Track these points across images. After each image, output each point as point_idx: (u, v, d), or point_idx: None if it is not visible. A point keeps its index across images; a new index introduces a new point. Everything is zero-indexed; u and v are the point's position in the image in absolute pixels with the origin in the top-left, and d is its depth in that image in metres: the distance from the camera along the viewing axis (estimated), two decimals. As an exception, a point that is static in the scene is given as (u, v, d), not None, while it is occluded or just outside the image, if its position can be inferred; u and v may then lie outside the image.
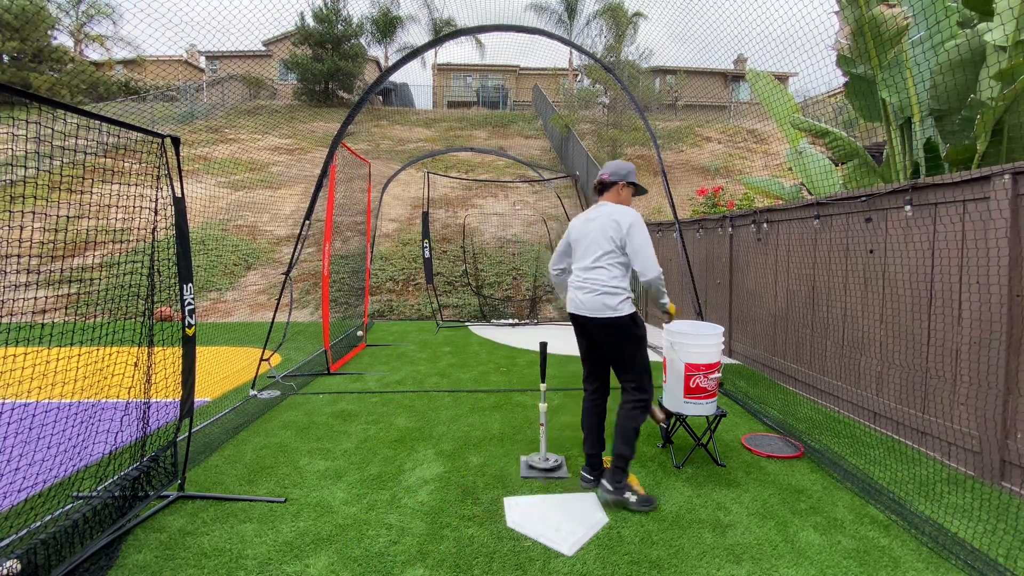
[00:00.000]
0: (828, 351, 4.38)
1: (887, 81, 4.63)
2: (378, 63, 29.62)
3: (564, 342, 7.20)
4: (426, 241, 8.80)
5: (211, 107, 22.47)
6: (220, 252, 11.23)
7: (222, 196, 13.48)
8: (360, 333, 7.20)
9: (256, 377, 4.71)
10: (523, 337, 7.72)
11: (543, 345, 3.18)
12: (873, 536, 2.42)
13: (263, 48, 28.09)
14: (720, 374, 3.21)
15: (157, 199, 2.68)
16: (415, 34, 29.03)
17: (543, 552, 2.30)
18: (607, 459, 2.96)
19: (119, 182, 2.60)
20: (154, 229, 2.71)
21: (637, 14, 20.00)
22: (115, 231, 8.05)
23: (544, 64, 30.76)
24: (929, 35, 4.46)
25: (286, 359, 6.05)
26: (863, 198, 3.95)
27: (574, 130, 16.00)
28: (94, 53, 26.13)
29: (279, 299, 5.16)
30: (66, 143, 2.23)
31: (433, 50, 28.85)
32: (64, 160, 2.42)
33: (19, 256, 2.46)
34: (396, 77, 29.52)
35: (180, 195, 2.67)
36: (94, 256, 10.20)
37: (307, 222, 4.73)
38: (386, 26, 27.47)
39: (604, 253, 2.76)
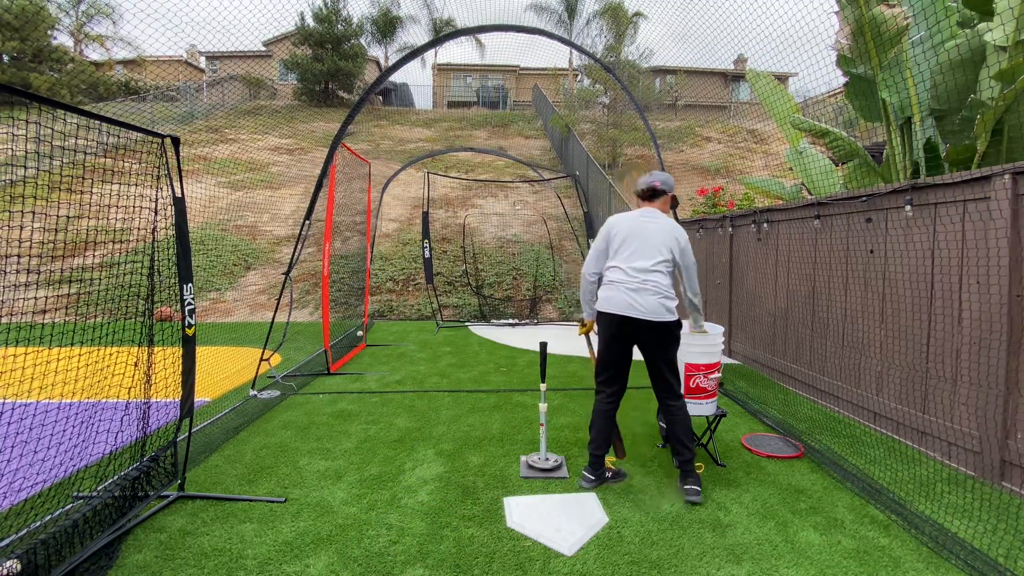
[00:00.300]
0: (828, 351, 4.38)
1: (887, 81, 4.63)
2: (378, 63, 29.62)
3: (564, 342, 7.20)
4: (426, 241, 8.80)
5: (211, 107, 22.47)
6: (220, 252, 11.23)
7: (222, 196, 13.48)
8: (360, 333, 7.20)
9: (256, 377, 4.71)
10: (523, 337, 7.72)
11: (543, 345, 3.18)
12: (873, 536, 2.42)
13: (263, 48, 28.09)
14: (720, 374, 3.21)
15: (157, 199, 2.68)
16: (415, 34, 29.05)
17: (543, 552, 2.30)
18: (609, 460, 3.00)
19: (119, 182, 2.60)
20: (154, 229, 2.71)
21: (637, 14, 20.01)
22: (115, 231, 8.05)
23: (544, 64, 30.75)
24: (929, 35, 4.46)
25: (286, 359, 6.05)
26: (863, 198, 3.95)
27: (574, 130, 16.00)
28: (94, 53, 26.16)
29: (279, 299, 5.16)
30: (66, 143, 2.23)
31: (433, 50, 28.85)
32: (64, 160, 2.41)
33: (19, 256, 2.46)
34: (396, 77, 29.52)
35: (180, 195, 2.67)
36: (94, 256, 10.20)
37: (307, 222, 4.73)
38: (386, 26, 27.48)
39: (663, 260, 2.82)
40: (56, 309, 7.61)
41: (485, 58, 30.04)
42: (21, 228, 2.22)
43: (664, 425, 3.46)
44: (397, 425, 3.91)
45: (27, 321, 3.72)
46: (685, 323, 3.16)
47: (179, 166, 2.65)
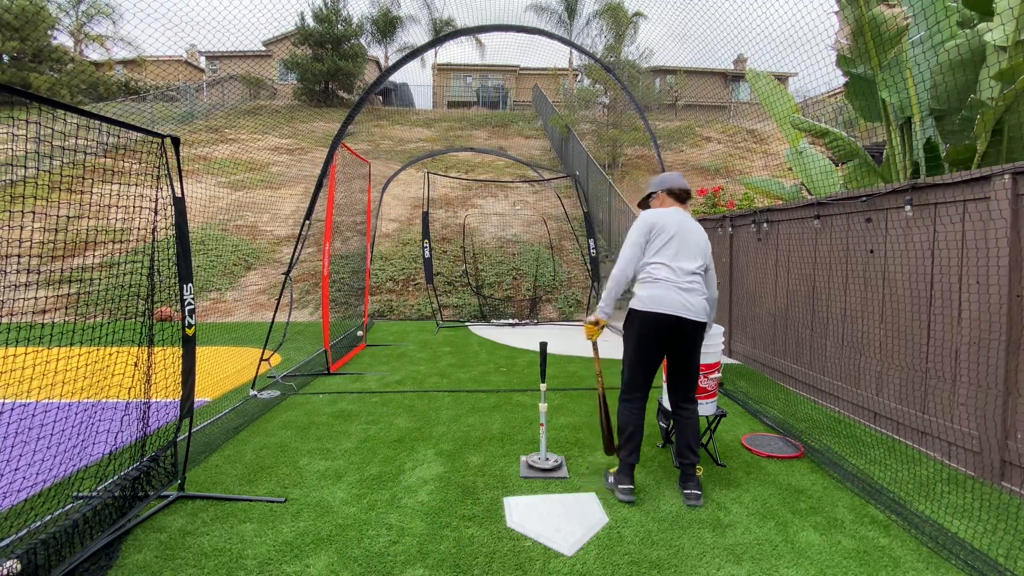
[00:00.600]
0: (828, 351, 4.38)
1: (887, 81, 4.63)
2: (378, 63, 29.63)
3: (564, 342, 7.20)
4: (426, 241, 8.80)
5: (211, 107, 22.48)
6: (220, 252, 11.23)
7: (222, 196, 13.48)
8: (360, 333, 7.20)
9: (256, 377, 4.71)
10: (523, 337, 7.72)
11: (543, 345, 3.18)
12: (873, 536, 2.42)
13: (263, 48, 28.09)
14: (720, 374, 3.21)
15: (157, 199, 2.68)
16: (415, 34, 29.06)
17: (543, 552, 2.30)
18: (700, 468, 2.91)
19: (119, 182, 2.60)
20: (154, 229, 2.71)
21: (637, 14, 20.01)
22: (115, 231, 8.06)
23: (544, 64, 30.77)
24: (929, 35, 4.46)
25: (286, 359, 6.05)
26: (863, 198, 3.95)
27: (574, 130, 16.00)
28: (94, 53, 26.15)
29: (279, 299, 5.16)
30: (66, 143, 2.23)
31: (433, 50, 28.85)
32: (64, 160, 2.41)
33: (19, 256, 2.46)
34: (396, 77, 29.53)
35: (180, 195, 2.67)
36: (94, 256, 10.20)
37: (307, 222, 4.73)
38: (386, 26, 27.49)
39: (703, 264, 2.82)
40: (56, 309, 7.61)
41: (485, 58, 30.05)
42: (21, 228, 2.22)
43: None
44: (397, 425, 3.92)
45: (27, 321, 3.72)
46: None
47: (179, 166, 2.65)
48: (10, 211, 2.71)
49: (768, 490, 2.88)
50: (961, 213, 3.18)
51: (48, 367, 2.47)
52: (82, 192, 2.45)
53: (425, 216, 8.88)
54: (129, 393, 2.64)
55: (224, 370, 5.55)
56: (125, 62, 26.45)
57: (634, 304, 2.77)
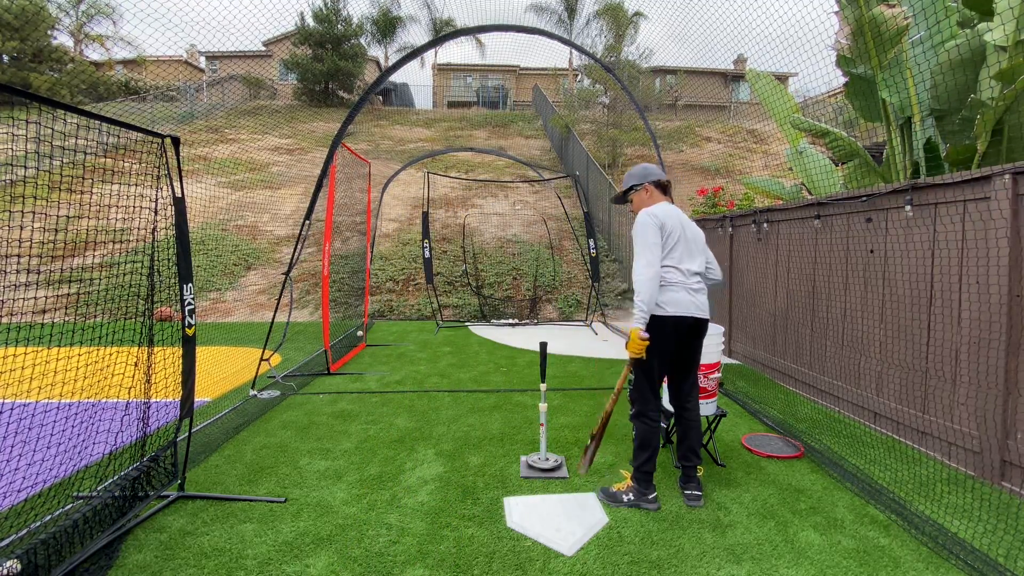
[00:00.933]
0: (828, 351, 4.38)
1: (887, 81, 4.63)
2: (378, 63, 29.63)
3: (564, 342, 7.20)
4: (426, 241, 8.80)
5: (211, 107, 22.48)
6: (220, 252, 11.23)
7: (222, 196, 13.48)
8: (360, 333, 7.20)
9: (256, 377, 4.71)
10: (523, 337, 7.72)
11: (543, 345, 3.18)
12: (873, 536, 2.42)
13: (263, 48, 28.10)
14: (720, 374, 3.21)
15: (157, 199, 2.68)
16: (415, 34, 29.06)
17: (543, 552, 2.30)
18: (700, 468, 2.86)
19: (119, 182, 2.60)
20: (154, 229, 2.71)
21: (637, 14, 20.02)
22: (115, 231, 8.05)
23: (544, 64, 30.76)
24: (929, 35, 4.46)
25: (286, 359, 6.05)
26: (863, 198, 3.95)
27: (574, 130, 16.00)
28: (94, 53, 26.15)
29: (279, 299, 5.16)
30: (66, 143, 2.23)
31: (433, 50, 28.86)
32: (64, 160, 2.42)
33: (19, 256, 2.46)
34: (396, 77, 29.54)
35: (180, 195, 2.66)
36: (94, 256, 10.20)
37: (307, 222, 4.73)
38: (386, 26, 27.48)
39: (703, 260, 2.80)
40: (56, 309, 7.62)
41: (485, 58, 30.05)
42: (21, 228, 2.22)
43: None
44: (397, 425, 3.92)
45: (27, 321, 3.72)
46: None
47: (179, 166, 2.65)
48: (10, 211, 2.71)
49: (768, 490, 2.88)
50: (961, 213, 3.18)
51: (48, 367, 2.48)
52: (82, 192, 2.45)
53: (425, 216, 8.88)
54: (129, 393, 2.64)
55: (224, 370, 5.55)
56: (125, 62, 26.46)
57: (657, 311, 2.60)
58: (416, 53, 5.18)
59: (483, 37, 26.57)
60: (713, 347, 3.15)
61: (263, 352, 4.82)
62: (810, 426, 3.89)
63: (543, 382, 3.14)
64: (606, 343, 7.30)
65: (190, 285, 2.75)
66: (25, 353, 2.30)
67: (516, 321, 9.07)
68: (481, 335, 7.90)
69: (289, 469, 3.13)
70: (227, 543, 2.35)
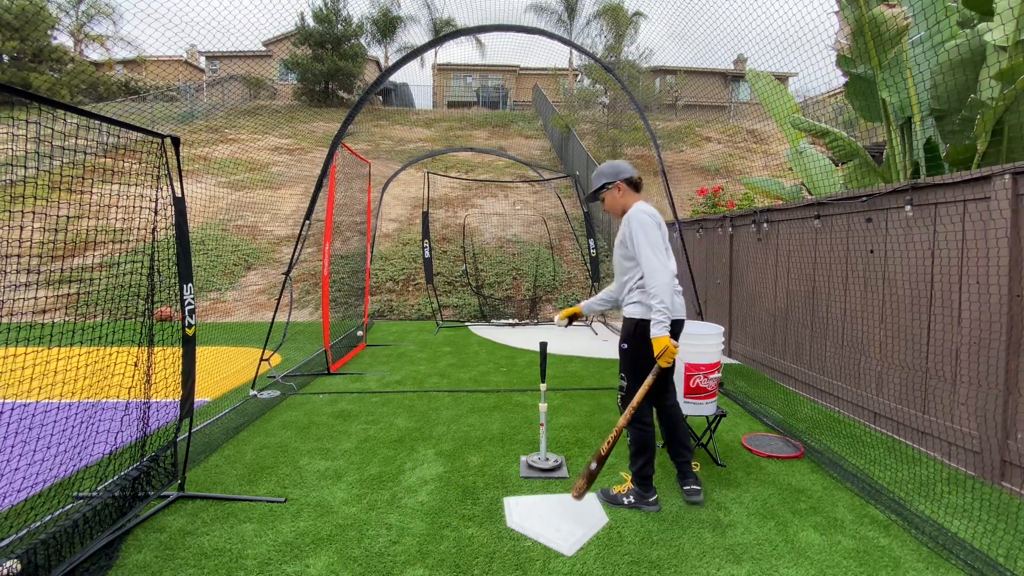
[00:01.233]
0: (828, 351, 4.38)
1: (887, 81, 4.63)
2: (378, 63, 29.63)
3: (564, 342, 7.20)
4: (426, 241, 8.80)
5: (211, 107, 22.48)
6: (220, 252, 11.23)
7: (222, 196, 13.48)
8: (360, 333, 7.20)
9: (256, 377, 4.71)
10: (523, 337, 7.72)
11: (543, 345, 3.18)
12: (873, 536, 2.42)
13: (263, 48, 28.09)
14: (720, 374, 3.21)
15: (157, 199, 2.68)
16: (415, 34, 29.05)
17: (543, 552, 2.30)
18: (696, 464, 2.86)
19: (119, 182, 2.61)
20: (154, 229, 2.71)
21: (637, 14, 20.02)
22: (115, 231, 8.05)
23: (544, 64, 30.78)
24: (929, 35, 4.46)
25: (286, 359, 6.05)
26: (863, 198, 3.95)
27: (574, 130, 16.00)
28: (94, 53, 26.16)
29: (279, 299, 5.16)
30: (66, 143, 2.23)
31: (433, 50, 28.86)
32: (64, 160, 2.42)
33: (19, 256, 2.46)
34: (396, 77, 29.54)
35: (180, 195, 2.66)
36: (94, 256, 10.20)
37: (307, 222, 4.73)
38: (386, 26, 27.48)
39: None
40: (56, 309, 7.62)
41: (485, 58, 30.05)
42: (21, 228, 2.23)
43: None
44: (397, 425, 3.91)
45: (27, 321, 3.72)
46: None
47: (179, 166, 2.65)
48: (10, 211, 2.71)
49: (768, 490, 2.88)
50: (961, 213, 3.18)
51: (48, 367, 2.48)
52: (82, 192, 2.45)
53: (425, 216, 8.88)
54: (129, 393, 2.64)
55: (224, 370, 5.55)
56: (125, 62, 26.46)
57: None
58: (416, 53, 5.18)
59: (483, 37, 26.58)
60: (713, 347, 3.15)
61: (263, 352, 4.82)
62: (810, 426, 3.89)
63: (543, 382, 3.14)
64: (606, 343, 7.30)
65: (190, 285, 2.75)
66: (25, 353, 2.30)
67: (516, 321, 9.07)
68: (481, 335, 7.90)
69: (289, 469, 3.13)
70: (227, 543, 2.35)
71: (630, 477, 2.76)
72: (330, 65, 23.15)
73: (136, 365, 2.61)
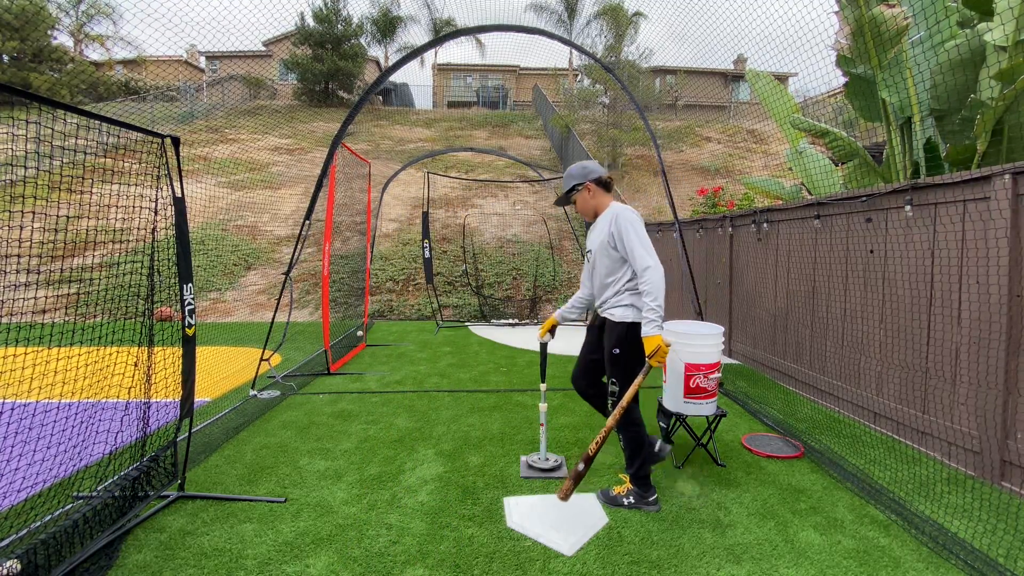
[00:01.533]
0: (828, 351, 4.38)
1: (887, 81, 4.63)
2: (378, 63, 29.63)
3: (564, 342, 7.19)
4: (426, 241, 8.80)
5: (211, 107, 22.48)
6: (220, 252, 11.23)
7: (222, 196, 13.48)
8: (360, 333, 7.20)
9: (256, 377, 4.71)
10: (523, 337, 7.72)
11: (543, 345, 3.17)
12: (873, 536, 2.42)
13: (263, 48, 28.10)
14: (720, 374, 3.20)
15: (157, 199, 2.68)
16: (415, 34, 29.06)
17: (543, 552, 2.30)
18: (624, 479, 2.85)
19: (119, 182, 2.60)
20: (154, 229, 2.71)
21: (637, 14, 20.01)
22: (115, 231, 8.05)
23: (544, 64, 30.80)
24: (929, 35, 4.47)
25: (286, 359, 6.05)
26: (863, 198, 3.95)
27: (574, 130, 16.00)
28: (94, 53, 26.16)
29: (279, 299, 5.16)
30: (66, 143, 2.23)
31: (433, 50, 28.86)
32: (64, 160, 2.42)
33: (19, 256, 2.46)
34: (396, 77, 29.54)
35: (180, 195, 2.66)
36: (94, 256, 10.20)
37: (307, 222, 4.73)
38: (386, 26, 27.48)
39: None
40: (56, 309, 7.62)
41: (485, 58, 30.06)
42: (21, 228, 2.23)
43: (664, 426, 3.46)
44: (397, 425, 3.91)
45: (27, 321, 3.72)
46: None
47: (179, 166, 2.65)
48: (10, 211, 2.71)
49: (768, 490, 2.88)
50: (961, 213, 3.18)
51: (48, 367, 2.47)
52: (82, 192, 2.45)
53: (425, 216, 8.88)
54: (129, 393, 2.64)
55: (224, 370, 5.55)
56: (125, 62, 26.46)
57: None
58: (416, 53, 5.18)
59: (483, 37, 26.58)
60: (713, 347, 3.15)
61: (263, 352, 4.82)
62: (810, 426, 3.89)
63: (543, 382, 3.14)
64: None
65: (190, 285, 2.74)
66: (25, 353, 2.30)
67: (516, 321, 9.07)
68: (481, 335, 7.90)
69: (289, 469, 3.13)
70: (227, 543, 2.35)
71: (628, 478, 2.76)
72: (330, 65, 23.15)
73: (136, 365, 2.61)
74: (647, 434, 2.69)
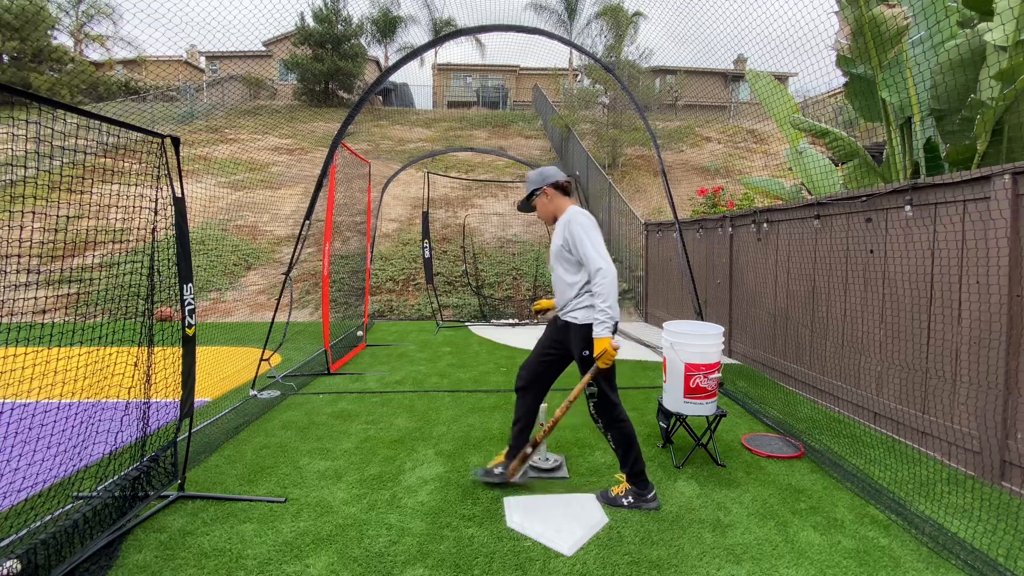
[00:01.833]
0: (828, 351, 4.38)
1: (887, 81, 4.63)
2: (378, 63, 29.63)
3: (564, 342, 7.19)
4: (426, 241, 8.80)
5: (211, 107, 22.48)
6: (220, 252, 11.23)
7: (222, 196, 13.48)
8: (360, 333, 7.20)
9: (256, 377, 4.71)
10: (523, 337, 7.72)
11: (543, 345, 3.17)
12: (873, 536, 2.42)
13: (263, 48, 28.10)
14: (720, 374, 3.21)
15: (157, 199, 2.68)
16: (415, 34, 29.08)
17: (543, 552, 2.30)
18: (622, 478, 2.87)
19: (119, 182, 2.60)
20: (154, 229, 2.71)
21: (637, 14, 20.01)
22: (115, 231, 8.05)
23: (544, 64, 30.78)
24: (929, 35, 4.47)
25: (286, 359, 6.05)
26: (863, 198, 3.95)
27: (574, 130, 16.00)
28: (94, 53, 26.17)
29: (279, 299, 5.16)
30: (66, 143, 2.23)
31: (433, 50, 28.87)
32: (64, 160, 2.42)
33: (19, 256, 2.46)
34: (396, 77, 29.53)
35: (180, 195, 2.67)
36: (94, 256, 10.20)
37: (307, 222, 4.73)
38: (386, 26, 27.49)
39: None
40: (56, 309, 7.62)
41: (485, 58, 30.07)
42: (21, 228, 2.23)
43: (664, 426, 3.46)
44: (397, 425, 3.91)
45: (27, 321, 3.72)
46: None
47: (179, 166, 2.65)
48: (10, 211, 2.72)
49: (768, 490, 2.88)
50: (961, 213, 3.18)
51: (48, 367, 2.48)
52: (82, 192, 2.45)
53: (425, 216, 8.88)
54: (129, 393, 2.64)
55: (224, 370, 5.55)
56: (125, 62, 26.46)
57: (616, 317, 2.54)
58: (416, 53, 5.18)
59: (483, 37, 26.59)
60: (713, 347, 3.15)
61: (263, 352, 4.82)
62: (810, 426, 3.89)
63: (543, 382, 3.13)
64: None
65: (190, 285, 2.74)
66: (25, 353, 2.29)
67: (516, 321, 9.07)
68: (481, 335, 7.90)
69: (289, 469, 3.13)
70: (227, 543, 2.35)
71: (625, 478, 2.76)
72: (330, 65, 23.15)
73: (136, 365, 2.61)
74: (633, 430, 2.70)
